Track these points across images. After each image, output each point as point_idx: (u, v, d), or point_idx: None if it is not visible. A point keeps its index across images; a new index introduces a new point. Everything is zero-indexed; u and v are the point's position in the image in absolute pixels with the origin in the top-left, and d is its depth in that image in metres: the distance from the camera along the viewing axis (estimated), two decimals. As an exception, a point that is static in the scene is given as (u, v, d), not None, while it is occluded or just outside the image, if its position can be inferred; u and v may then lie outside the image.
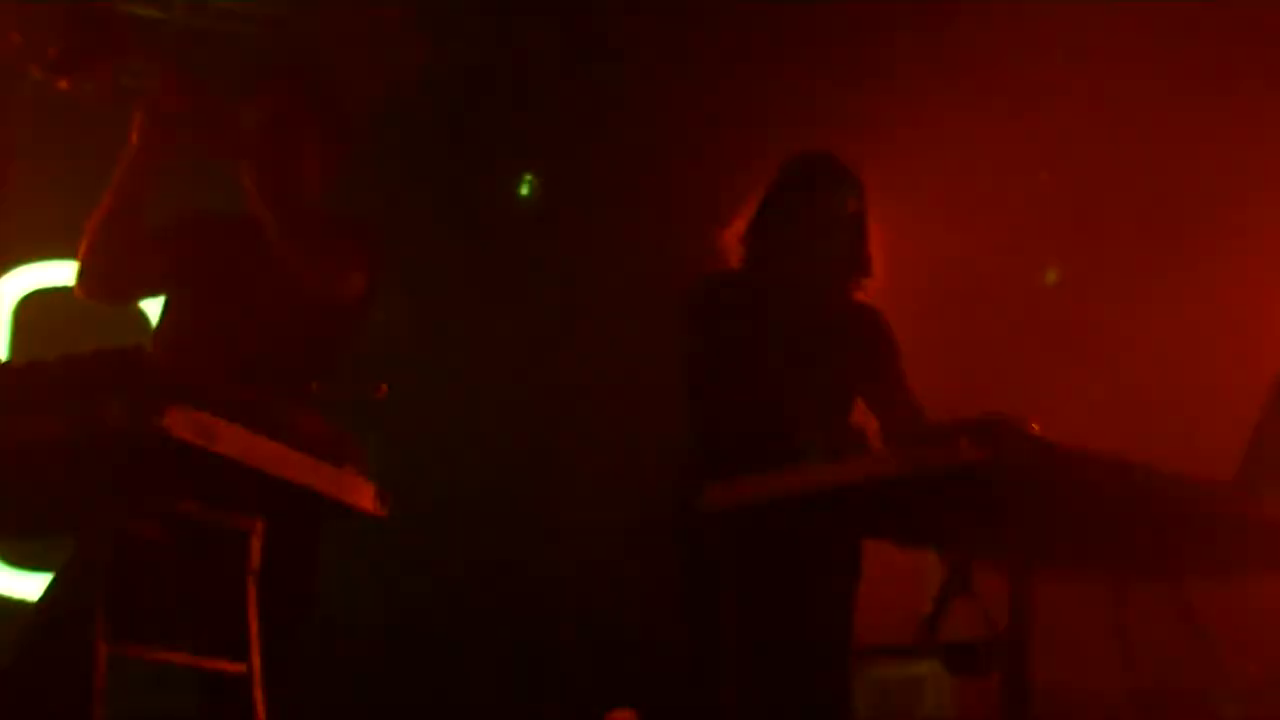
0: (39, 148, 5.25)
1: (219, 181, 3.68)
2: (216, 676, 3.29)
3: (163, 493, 2.88)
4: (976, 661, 3.06)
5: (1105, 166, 5.94)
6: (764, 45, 5.92)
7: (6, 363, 2.83)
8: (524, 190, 6.06)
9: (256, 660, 3.06)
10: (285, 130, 3.61)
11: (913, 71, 5.70)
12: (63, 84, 3.10)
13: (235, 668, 3.08)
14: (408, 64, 5.73)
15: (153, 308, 4.46)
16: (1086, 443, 3.00)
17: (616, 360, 5.76)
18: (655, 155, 6.00)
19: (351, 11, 5.64)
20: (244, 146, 3.44)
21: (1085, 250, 6.15)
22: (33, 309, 5.28)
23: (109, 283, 3.57)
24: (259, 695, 3.07)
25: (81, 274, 3.57)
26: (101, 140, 4.89)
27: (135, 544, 2.94)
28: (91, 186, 4.28)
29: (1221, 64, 5.61)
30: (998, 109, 5.68)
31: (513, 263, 5.92)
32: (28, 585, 4.77)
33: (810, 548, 3.65)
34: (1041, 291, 6.26)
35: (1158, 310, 5.63)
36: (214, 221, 3.73)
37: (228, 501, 2.95)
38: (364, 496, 3.06)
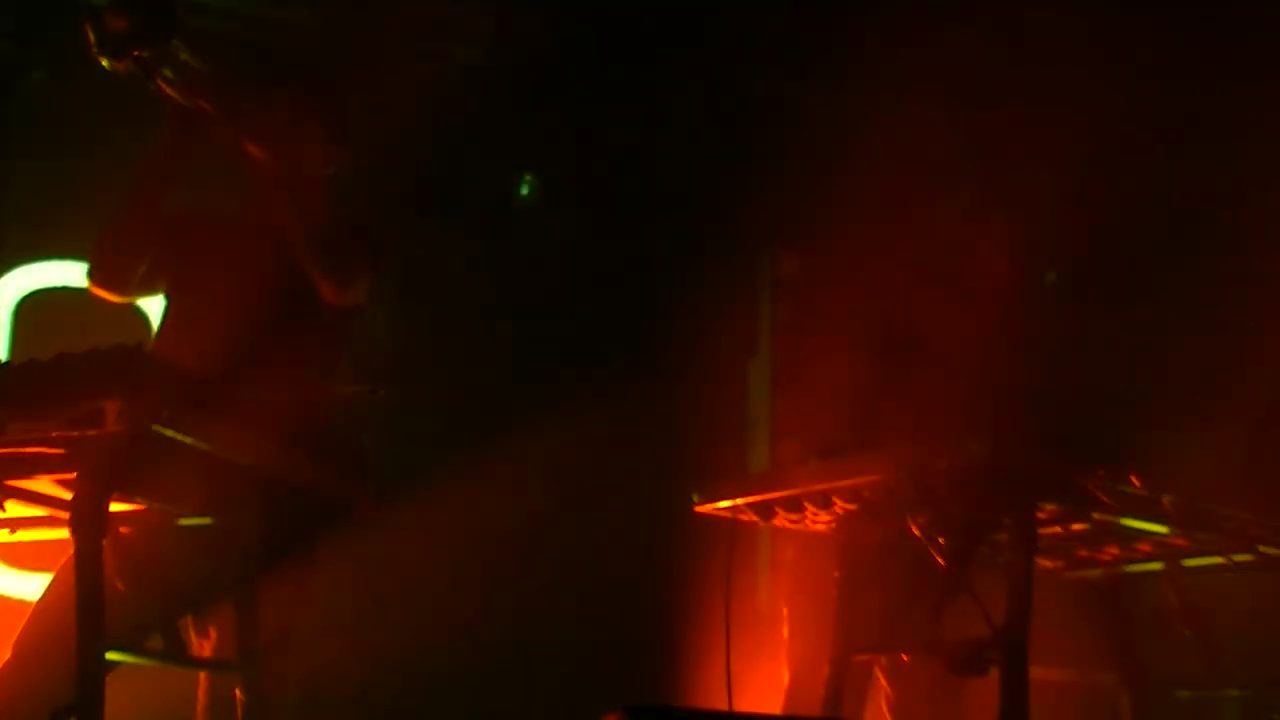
0: (40, 148, 5.25)
1: (220, 182, 3.69)
2: (216, 677, 3.31)
3: (162, 492, 2.88)
4: (976, 661, 3.06)
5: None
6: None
7: (6, 363, 2.83)
8: (524, 190, 6.06)
9: (255, 660, 3.06)
10: (295, 130, 3.63)
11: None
12: (119, 66, 3.13)
13: (234, 668, 3.09)
14: (408, 64, 5.74)
15: (153, 307, 4.47)
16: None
17: (616, 358, 5.76)
18: (657, 155, 6.01)
19: (352, 14, 5.64)
20: (273, 142, 3.45)
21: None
22: (33, 309, 5.28)
23: (120, 276, 3.58)
24: (258, 695, 3.07)
25: (94, 266, 3.58)
26: (102, 141, 4.91)
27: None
28: (92, 187, 4.30)
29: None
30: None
31: (512, 263, 5.92)
32: (28, 585, 4.77)
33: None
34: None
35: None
36: (216, 221, 3.74)
37: (226, 501, 2.96)
38: (362, 496, 3.06)
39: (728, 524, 3.51)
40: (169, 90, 3.29)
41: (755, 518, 3.46)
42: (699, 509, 3.50)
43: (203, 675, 3.39)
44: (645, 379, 5.79)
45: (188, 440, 2.66)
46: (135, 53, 3.14)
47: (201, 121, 3.41)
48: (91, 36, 3.13)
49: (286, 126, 3.60)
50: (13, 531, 3.05)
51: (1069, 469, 3.06)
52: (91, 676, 2.61)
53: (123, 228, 3.51)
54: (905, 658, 3.58)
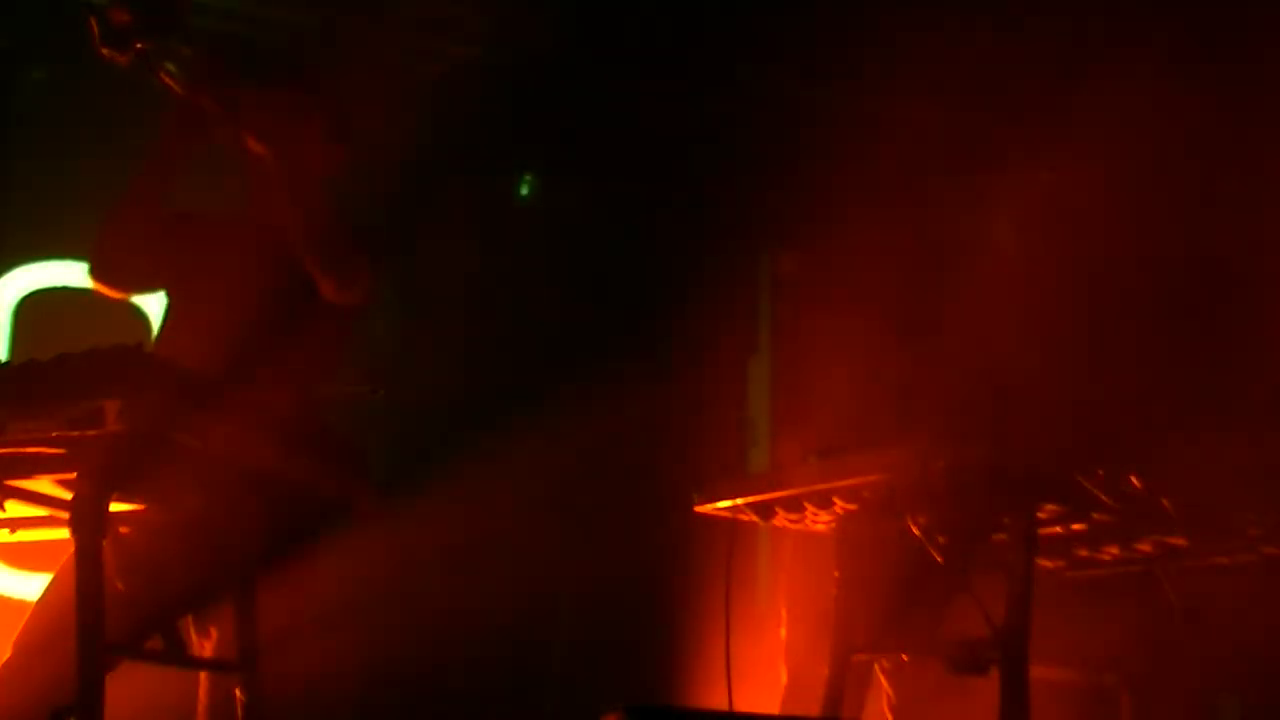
0: (40, 148, 5.25)
1: (222, 181, 3.70)
2: (216, 677, 3.31)
3: (162, 493, 2.88)
4: (976, 661, 3.06)
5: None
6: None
7: (6, 363, 2.83)
8: (524, 190, 6.06)
9: (255, 660, 3.06)
10: (298, 129, 3.63)
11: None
12: (122, 59, 3.16)
13: (234, 668, 3.09)
14: (408, 64, 5.74)
15: (153, 307, 4.47)
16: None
17: (616, 358, 5.76)
18: (657, 155, 6.01)
19: (352, 14, 5.64)
20: (274, 140, 3.46)
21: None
22: (33, 309, 5.28)
23: (121, 271, 3.58)
24: (258, 695, 3.07)
25: (95, 260, 3.58)
26: (103, 141, 4.91)
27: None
28: (92, 187, 4.29)
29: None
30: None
31: (512, 263, 5.92)
32: (28, 585, 4.77)
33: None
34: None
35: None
36: (218, 219, 3.74)
37: (226, 501, 2.96)
38: (362, 496, 3.06)
39: (727, 524, 3.51)
40: (171, 84, 3.30)
41: (755, 518, 3.46)
42: (699, 509, 3.50)
43: (203, 675, 3.39)
44: (645, 379, 5.79)
45: (188, 440, 2.66)
46: (138, 45, 3.15)
47: (203, 117, 3.41)
48: (95, 29, 3.14)
49: (287, 124, 3.60)
50: (13, 531, 3.05)
51: (1069, 469, 3.06)
52: (91, 676, 2.61)
53: (124, 222, 3.52)
54: (905, 658, 3.58)
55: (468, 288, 5.80)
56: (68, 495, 2.73)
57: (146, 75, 3.25)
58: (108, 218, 3.54)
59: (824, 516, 3.37)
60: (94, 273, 3.59)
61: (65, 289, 5.16)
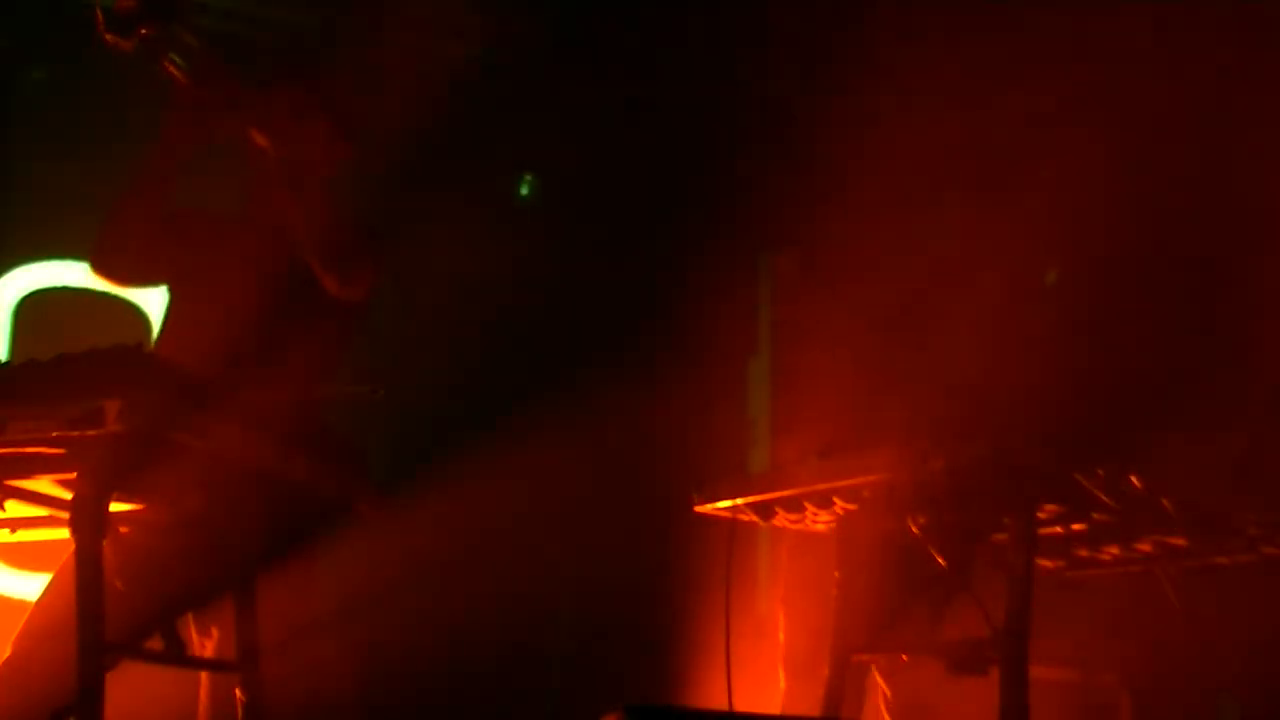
0: (40, 148, 5.25)
1: (221, 183, 3.70)
2: (216, 677, 3.31)
3: (161, 492, 2.88)
4: (976, 661, 3.06)
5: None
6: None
7: (6, 363, 2.83)
8: (524, 190, 6.06)
9: (255, 660, 3.07)
10: (300, 127, 3.64)
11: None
12: (126, 46, 3.16)
13: (234, 668, 3.09)
14: (408, 63, 5.74)
15: (153, 307, 4.47)
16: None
17: (616, 358, 5.76)
18: (657, 155, 6.01)
19: (352, 14, 5.65)
20: (276, 135, 3.46)
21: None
22: (33, 309, 5.28)
23: (122, 264, 3.58)
24: (258, 695, 3.07)
25: (96, 252, 3.58)
26: (102, 141, 4.91)
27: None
28: (92, 187, 4.30)
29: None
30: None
31: (512, 263, 5.92)
32: (28, 585, 4.77)
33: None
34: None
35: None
36: (220, 219, 3.74)
37: (226, 501, 2.96)
38: (362, 496, 3.07)
39: (728, 524, 3.51)
40: (175, 74, 3.30)
41: (755, 518, 3.46)
42: (699, 509, 3.50)
43: (203, 675, 3.40)
44: (645, 379, 5.79)
45: (188, 440, 2.66)
46: (142, 32, 3.15)
47: (206, 111, 3.41)
48: (99, 16, 3.14)
49: (290, 121, 3.60)
50: (13, 531, 3.05)
51: (1069, 469, 3.06)
52: (91, 676, 2.61)
53: (127, 215, 3.52)
54: (905, 658, 3.59)
55: (467, 287, 5.79)
56: (68, 495, 2.73)
57: (150, 64, 3.25)
58: (111, 210, 3.54)
59: (824, 516, 3.37)
60: (96, 264, 3.59)
61: (65, 289, 5.16)
